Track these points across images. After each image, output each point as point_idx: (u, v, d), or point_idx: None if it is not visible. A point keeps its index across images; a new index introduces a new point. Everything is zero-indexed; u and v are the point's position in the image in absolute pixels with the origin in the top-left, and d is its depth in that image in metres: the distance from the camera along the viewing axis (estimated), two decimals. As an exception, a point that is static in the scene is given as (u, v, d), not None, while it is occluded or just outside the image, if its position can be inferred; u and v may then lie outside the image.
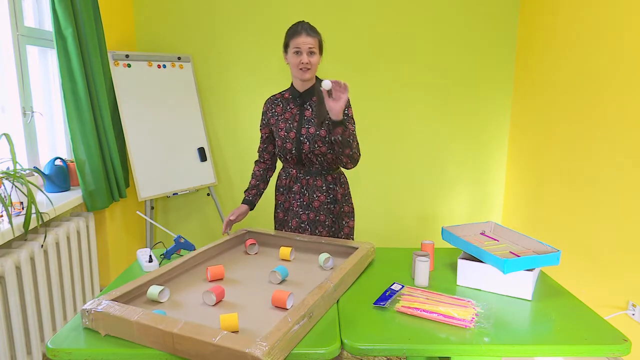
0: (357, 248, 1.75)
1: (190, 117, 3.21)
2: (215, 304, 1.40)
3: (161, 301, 1.41)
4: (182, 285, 1.55)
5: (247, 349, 1.04)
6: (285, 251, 1.78)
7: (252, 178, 2.13)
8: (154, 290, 1.41)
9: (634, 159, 2.20)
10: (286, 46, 1.90)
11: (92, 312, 1.24)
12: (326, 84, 1.69)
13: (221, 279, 1.60)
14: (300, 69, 1.87)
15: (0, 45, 2.13)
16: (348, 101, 1.92)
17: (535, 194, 3.13)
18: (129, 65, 2.91)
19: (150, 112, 2.99)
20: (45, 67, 2.51)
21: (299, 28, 1.85)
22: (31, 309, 1.95)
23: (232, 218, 1.99)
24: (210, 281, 1.58)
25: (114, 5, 3.00)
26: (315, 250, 1.87)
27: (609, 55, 2.39)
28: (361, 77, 3.43)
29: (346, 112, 1.89)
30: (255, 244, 1.88)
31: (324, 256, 1.70)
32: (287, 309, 1.36)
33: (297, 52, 1.85)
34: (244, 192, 2.11)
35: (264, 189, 2.14)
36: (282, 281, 1.58)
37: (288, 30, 1.90)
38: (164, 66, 3.11)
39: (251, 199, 2.09)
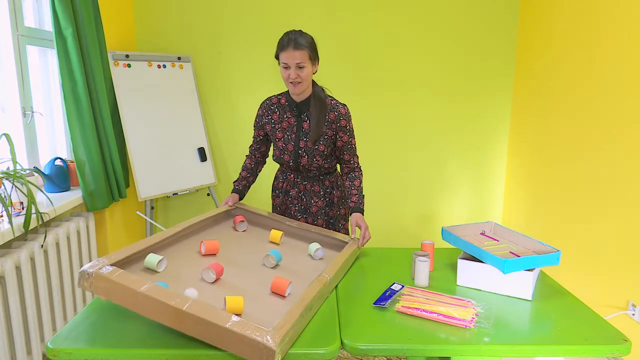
0: (347, 243, 1.79)
1: (190, 117, 3.21)
2: (214, 281, 1.41)
3: (158, 271, 1.39)
4: (175, 255, 1.54)
5: (261, 337, 1.06)
6: (276, 234, 1.80)
7: (243, 170, 2.09)
8: (152, 259, 1.36)
9: (634, 159, 2.20)
10: (277, 57, 1.84)
11: (93, 275, 1.18)
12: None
13: (214, 254, 1.60)
14: (291, 82, 1.82)
15: (0, 45, 2.13)
16: (348, 115, 1.91)
17: (535, 194, 3.13)
18: (129, 65, 2.91)
19: (150, 112, 2.98)
20: (45, 67, 2.50)
21: (286, 41, 1.78)
22: (31, 309, 1.95)
23: (230, 204, 1.97)
24: (204, 255, 1.58)
25: (114, 5, 2.99)
26: (303, 237, 1.89)
27: (610, 55, 2.38)
28: (362, 78, 3.43)
29: (348, 126, 1.90)
30: (244, 221, 1.89)
31: (314, 246, 1.72)
32: (284, 297, 1.38)
33: (286, 67, 1.79)
34: (234, 182, 2.08)
35: (253, 182, 2.12)
36: (276, 265, 1.60)
37: (278, 41, 1.83)
38: (164, 66, 3.11)
39: (241, 189, 2.06)
